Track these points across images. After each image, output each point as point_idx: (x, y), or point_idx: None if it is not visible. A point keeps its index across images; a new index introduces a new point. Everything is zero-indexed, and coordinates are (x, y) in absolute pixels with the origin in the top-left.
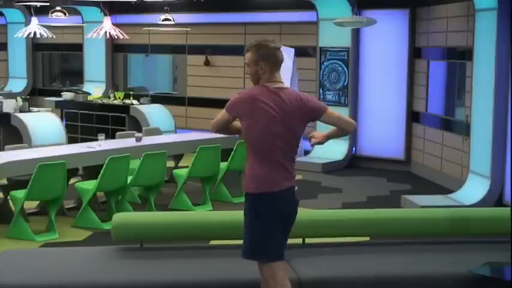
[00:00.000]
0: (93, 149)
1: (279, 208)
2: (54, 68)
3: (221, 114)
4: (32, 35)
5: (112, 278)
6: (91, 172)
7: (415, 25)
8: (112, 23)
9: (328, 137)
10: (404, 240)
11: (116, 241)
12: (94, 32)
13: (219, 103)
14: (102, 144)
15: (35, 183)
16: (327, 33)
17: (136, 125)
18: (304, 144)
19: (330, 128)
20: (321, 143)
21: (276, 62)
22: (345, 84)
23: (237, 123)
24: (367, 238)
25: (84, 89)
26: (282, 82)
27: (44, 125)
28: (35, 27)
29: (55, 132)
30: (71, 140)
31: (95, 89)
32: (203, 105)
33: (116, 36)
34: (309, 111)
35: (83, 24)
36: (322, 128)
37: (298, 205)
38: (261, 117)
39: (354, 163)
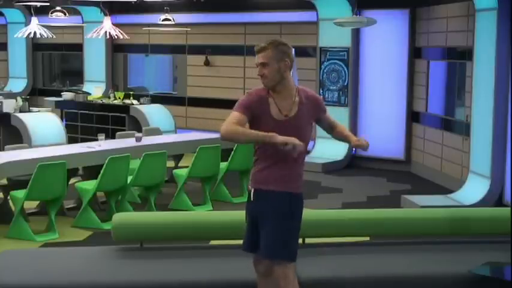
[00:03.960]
0: (93, 149)
1: (302, 208)
2: (54, 68)
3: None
4: (32, 35)
5: (112, 278)
6: (91, 172)
7: (415, 25)
8: (112, 23)
9: None
10: (404, 240)
11: (116, 241)
12: (94, 32)
13: (219, 103)
14: (102, 144)
15: (35, 183)
16: (327, 33)
17: (136, 125)
18: None
19: None
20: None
21: (293, 61)
22: (345, 84)
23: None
24: (367, 238)
25: (84, 89)
26: None
27: (44, 125)
28: (35, 27)
29: (55, 132)
30: (71, 140)
31: (95, 89)
32: (203, 105)
33: (116, 36)
34: None
35: (83, 24)
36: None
37: None
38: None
39: (354, 163)
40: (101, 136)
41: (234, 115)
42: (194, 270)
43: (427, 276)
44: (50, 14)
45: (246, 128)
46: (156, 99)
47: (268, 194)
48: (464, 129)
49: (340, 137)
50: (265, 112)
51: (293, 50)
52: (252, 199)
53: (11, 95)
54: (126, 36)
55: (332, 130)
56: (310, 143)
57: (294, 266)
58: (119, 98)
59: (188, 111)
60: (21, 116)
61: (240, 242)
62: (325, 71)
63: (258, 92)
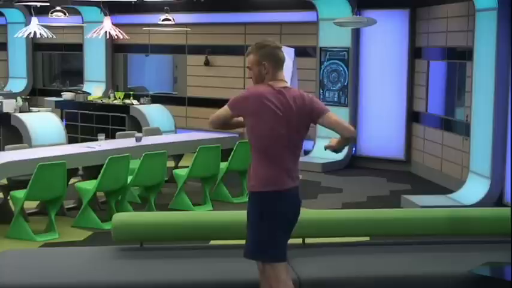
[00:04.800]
0: (93, 149)
1: (283, 208)
2: (54, 68)
3: (223, 110)
4: (32, 35)
5: (112, 278)
6: (91, 172)
7: (415, 25)
8: (112, 23)
9: (339, 144)
10: (404, 240)
11: (116, 241)
12: (94, 32)
13: (219, 103)
14: (102, 144)
15: (35, 183)
16: (327, 33)
17: (137, 125)
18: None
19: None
20: (334, 148)
21: (278, 61)
22: (345, 84)
23: (238, 118)
24: (367, 238)
25: (84, 89)
26: (285, 81)
27: (44, 125)
28: (35, 27)
29: (55, 132)
30: (71, 140)
31: (95, 89)
32: (203, 105)
33: (116, 36)
34: (310, 111)
35: (83, 24)
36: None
37: (301, 205)
38: (266, 116)
39: (354, 163)
40: (101, 136)
41: None
42: (194, 270)
43: (427, 276)
44: (50, 14)
45: None
46: (156, 99)
47: (248, 194)
48: (464, 129)
49: None
50: None
51: (293, 50)
52: None
53: (11, 95)
54: (126, 36)
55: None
56: (310, 143)
57: (285, 266)
58: (119, 98)
59: (188, 111)
60: (21, 116)
61: (240, 242)
62: (325, 71)
63: None
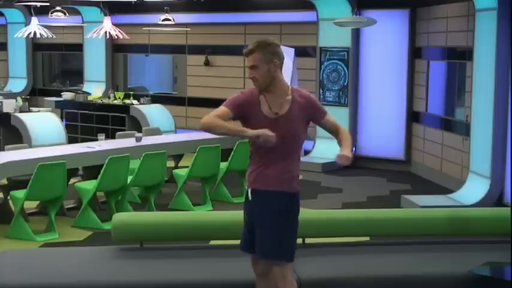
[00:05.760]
0: (93, 149)
1: (299, 206)
2: (54, 68)
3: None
4: (32, 35)
5: (112, 278)
6: (91, 172)
7: (415, 25)
8: (112, 23)
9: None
10: (404, 240)
11: (116, 241)
12: (94, 32)
13: (219, 103)
14: (102, 144)
15: (35, 183)
16: (327, 33)
17: (137, 125)
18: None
19: None
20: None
21: (282, 60)
22: (345, 84)
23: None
24: (367, 238)
25: (84, 89)
26: None
27: (44, 125)
28: (35, 27)
29: (55, 132)
30: (71, 140)
31: (95, 89)
32: (203, 105)
33: (116, 36)
34: None
35: (83, 24)
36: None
37: None
38: None
39: (354, 163)
40: (101, 136)
41: (219, 109)
42: (194, 270)
43: (427, 276)
44: (50, 14)
45: (224, 122)
46: (156, 99)
47: (264, 194)
48: (464, 129)
49: (339, 144)
50: (256, 110)
51: (293, 50)
52: (249, 199)
53: (11, 95)
54: (126, 36)
55: (335, 136)
56: (310, 143)
57: (291, 266)
58: (119, 98)
59: (188, 111)
60: (21, 116)
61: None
62: (325, 71)
63: (251, 91)
